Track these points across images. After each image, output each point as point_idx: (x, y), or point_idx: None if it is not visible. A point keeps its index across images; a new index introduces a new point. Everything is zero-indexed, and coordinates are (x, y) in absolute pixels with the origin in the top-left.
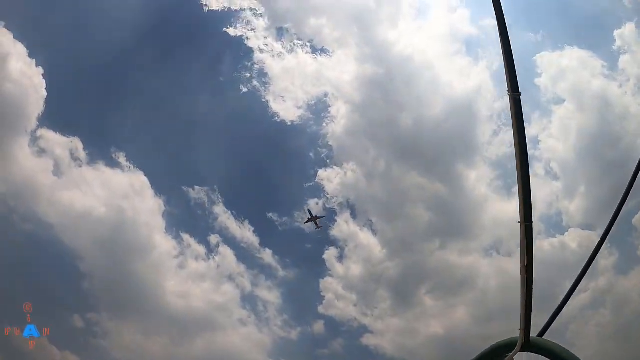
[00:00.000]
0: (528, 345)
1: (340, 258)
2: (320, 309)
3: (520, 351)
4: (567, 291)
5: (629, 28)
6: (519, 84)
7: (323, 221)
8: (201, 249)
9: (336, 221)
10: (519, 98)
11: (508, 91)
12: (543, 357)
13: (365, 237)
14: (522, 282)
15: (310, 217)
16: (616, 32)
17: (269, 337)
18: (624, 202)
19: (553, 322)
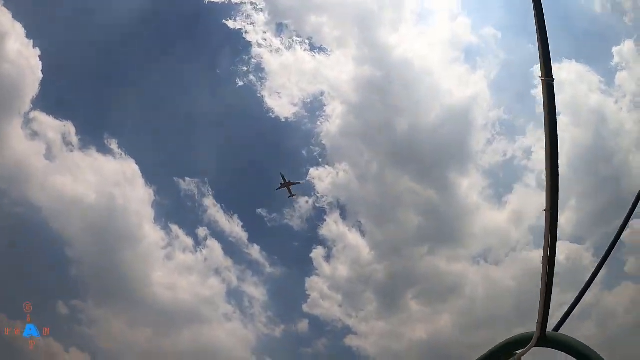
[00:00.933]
0: (545, 339)
1: (328, 258)
2: (305, 308)
3: (536, 345)
4: (581, 289)
5: (627, 45)
6: (553, 71)
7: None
8: (189, 241)
9: (325, 221)
10: (552, 83)
11: (541, 76)
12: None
13: (354, 238)
14: (542, 273)
15: (283, 182)
16: (615, 49)
17: (253, 334)
18: (629, 219)
19: (567, 318)
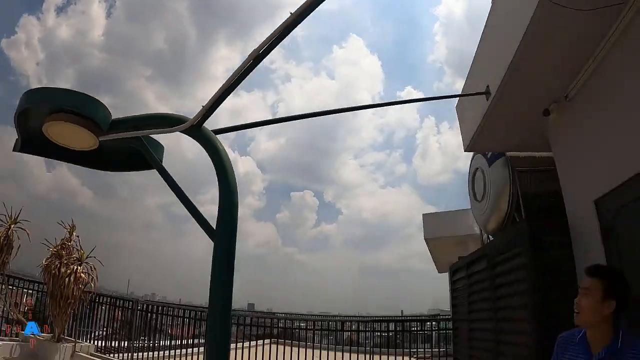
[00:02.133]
0: (198, 130)
1: None
2: None
3: (185, 131)
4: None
5: (434, 140)
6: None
7: None
8: None
9: None
10: None
11: None
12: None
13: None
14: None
15: None
16: (419, 134)
17: None
18: None
19: (233, 130)
